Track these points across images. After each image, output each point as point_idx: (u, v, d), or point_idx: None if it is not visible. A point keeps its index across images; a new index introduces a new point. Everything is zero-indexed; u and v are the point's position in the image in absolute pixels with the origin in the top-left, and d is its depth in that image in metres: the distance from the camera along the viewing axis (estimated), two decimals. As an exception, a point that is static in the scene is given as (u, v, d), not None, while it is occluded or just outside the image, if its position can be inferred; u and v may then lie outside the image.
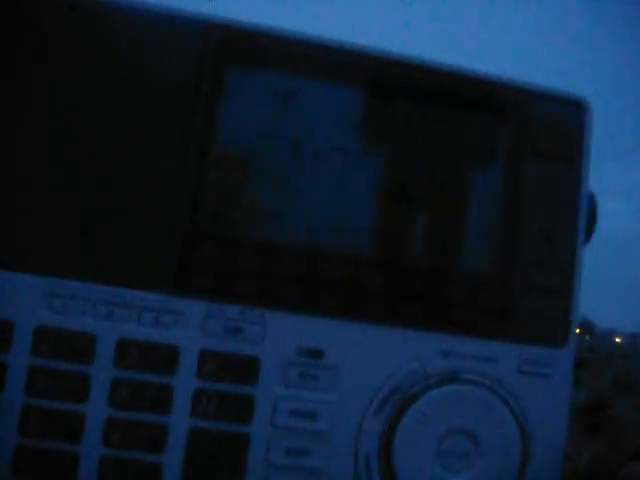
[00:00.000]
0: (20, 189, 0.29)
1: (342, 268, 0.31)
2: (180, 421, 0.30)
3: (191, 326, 0.30)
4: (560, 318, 0.33)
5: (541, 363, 0.32)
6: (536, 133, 0.33)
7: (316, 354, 0.31)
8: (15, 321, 0.29)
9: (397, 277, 0.32)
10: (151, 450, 0.29)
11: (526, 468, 0.32)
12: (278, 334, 0.31)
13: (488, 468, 0.32)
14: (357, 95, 0.32)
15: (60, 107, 0.30)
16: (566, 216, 0.33)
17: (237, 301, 0.30)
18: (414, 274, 0.32)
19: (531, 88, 0.34)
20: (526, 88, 0.34)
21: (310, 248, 0.31)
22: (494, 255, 0.33)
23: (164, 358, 0.30)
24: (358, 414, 0.31)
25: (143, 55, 0.31)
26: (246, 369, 0.30)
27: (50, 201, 0.29)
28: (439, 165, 0.33)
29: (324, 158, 0.32)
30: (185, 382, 0.30)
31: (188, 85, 0.31)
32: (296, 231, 0.31)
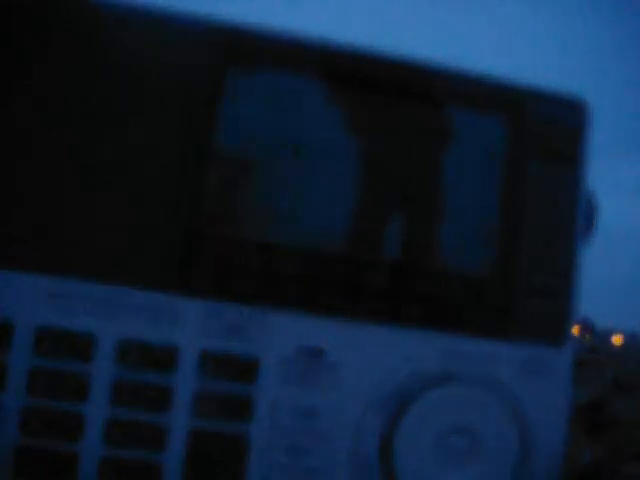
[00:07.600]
0: (20, 189, 0.29)
1: (342, 268, 0.31)
2: (180, 421, 0.30)
3: (191, 326, 0.30)
4: (560, 318, 0.33)
5: (541, 363, 0.32)
6: (535, 133, 0.33)
7: (316, 354, 0.31)
8: (15, 321, 0.29)
9: (397, 277, 0.32)
10: (151, 450, 0.29)
11: (526, 468, 0.32)
12: (278, 334, 0.31)
13: (488, 468, 0.32)
14: (356, 95, 0.32)
15: (61, 107, 0.30)
16: (565, 216, 0.33)
17: (237, 301, 0.30)
18: (414, 274, 0.32)
19: (530, 88, 0.34)
20: (525, 88, 0.34)
21: (310, 248, 0.31)
22: (493, 255, 0.33)
23: (164, 358, 0.30)
24: (358, 414, 0.31)
25: (143, 56, 0.31)
26: (246, 369, 0.30)
27: (50, 201, 0.29)
28: (438, 166, 0.33)
29: (324, 158, 0.32)
30: (185, 382, 0.30)
31: (189, 85, 0.31)
32: (296, 231, 0.31)
